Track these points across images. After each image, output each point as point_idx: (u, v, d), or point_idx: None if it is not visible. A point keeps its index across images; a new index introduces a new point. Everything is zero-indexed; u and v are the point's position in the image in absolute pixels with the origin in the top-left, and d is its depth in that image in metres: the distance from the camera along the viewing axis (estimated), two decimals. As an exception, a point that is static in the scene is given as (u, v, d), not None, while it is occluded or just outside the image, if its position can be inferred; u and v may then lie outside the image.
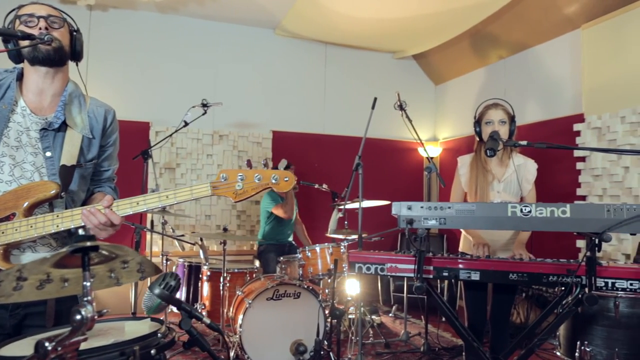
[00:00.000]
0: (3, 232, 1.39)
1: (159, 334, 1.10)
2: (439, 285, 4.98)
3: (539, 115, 4.71)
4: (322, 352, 3.03)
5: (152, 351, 1.02)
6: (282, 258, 3.72)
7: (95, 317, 0.78)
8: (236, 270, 3.72)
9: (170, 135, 4.51)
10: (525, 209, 1.73)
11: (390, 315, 4.89)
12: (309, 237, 4.82)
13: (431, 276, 1.94)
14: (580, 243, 3.97)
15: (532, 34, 4.70)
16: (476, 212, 1.78)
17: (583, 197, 4.05)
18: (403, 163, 6.12)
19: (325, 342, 3.15)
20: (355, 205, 3.57)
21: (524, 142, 2.07)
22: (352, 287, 3.81)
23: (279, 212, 4.29)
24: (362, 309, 3.67)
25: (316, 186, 4.38)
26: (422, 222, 1.81)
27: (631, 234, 3.37)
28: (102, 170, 1.72)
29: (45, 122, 1.53)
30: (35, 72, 1.52)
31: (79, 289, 0.89)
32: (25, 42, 1.44)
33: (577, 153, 4.10)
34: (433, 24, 4.94)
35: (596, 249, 1.65)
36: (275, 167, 1.65)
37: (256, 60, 5.53)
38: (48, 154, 1.53)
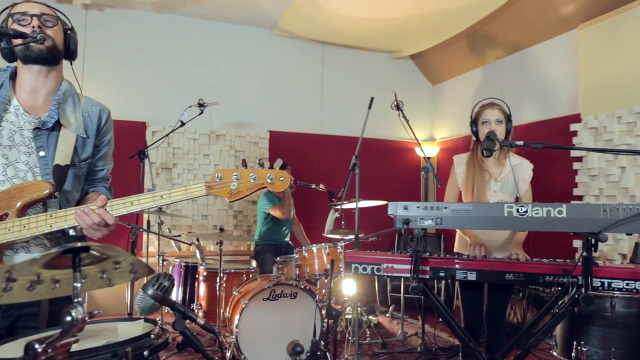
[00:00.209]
0: (-5, 233, 1.38)
1: (152, 335, 1.08)
2: (435, 285, 4.97)
3: (535, 115, 4.71)
4: (318, 353, 3.02)
5: (145, 352, 1.01)
6: (278, 258, 3.71)
7: (86, 318, 0.77)
8: (233, 271, 3.71)
9: (167, 135, 4.50)
10: (521, 209, 1.72)
11: (388, 315, 4.89)
12: (307, 237, 4.81)
13: (427, 276, 1.93)
14: (577, 243, 3.98)
15: (528, 34, 4.70)
16: (472, 212, 1.77)
17: (580, 197, 4.06)
18: (400, 163, 6.12)
19: (322, 343, 3.14)
20: (352, 205, 3.57)
21: (521, 142, 2.06)
22: (349, 287, 3.81)
23: (276, 213, 4.28)
24: (358, 309, 3.67)
25: (313, 186, 4.37)
26: (419, 222, 1.80)
27: (627, 234, 3.37)
28: (97, 170, 1.71)
29: (39, 122, 1.52)
30: (29, 70, 1.51)
31: (71, 290, 0.87)
32: (18, 41, 1.42)
33: (573, 153, 4.10)
34: (430, 24, 4.94)
35: (592, 249, 1.65)
36: (271, 167, 1.64)
37: (253, 60, 5.52)
38: (41, 153, 1.51)
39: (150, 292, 1.15)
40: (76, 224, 1.41)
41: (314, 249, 3.57)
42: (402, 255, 1.97)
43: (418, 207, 1.81)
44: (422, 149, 3.48)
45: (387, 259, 1.98)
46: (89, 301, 4.60)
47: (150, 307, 1.16)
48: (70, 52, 1.59)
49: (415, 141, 3.45)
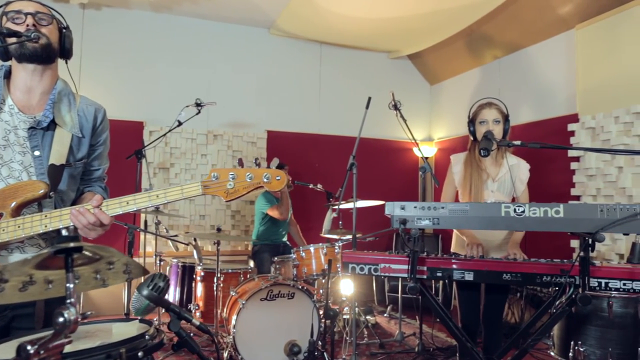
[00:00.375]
0: (-10, 233, 1.37)
1: (146, 336, 1.08)
2: (433, 285, 4.97)
3: (533, 115, 4.71)
4: (316, 353, 3.02)
5: (140, 353, 1.00)
6: (276, 258, 3.70)
7: (79, 319, 0.76)
8: (230, 271, 3.70)
9: (164, 135, 4.49)
10: (518, 209, 1.72)
11: (385, 315, 4.89)
12: (303, 238, 4.80)
13: (425, 276, 1.93)
14: (575, 243, 3.98)
15: (526, 34, 4.70)
16: (470, 212, 1.77)
17: (577, 197, 4.06)
18: (398, 163, 6.11)
19: (320, 343, 3.13)
20: (349, 205, 3.56)
21: (518, 142, 2.06)
22: (346, 287, 3.80)
23: (274, 213, 4.27)
24: (356, 309, 3.66)
25: (311, 186, 4.36)
26: (416, 222, 1.80)
27: (624, 234, 3.38)
28: (92, 170, 1.70)
29: (34, 121, 1.51)
30: (23, 69, 1.50)
31: (64, 291, 0.87)
32: (12, 39, 1.41)
33: (571, 153, 4.11)
34: (428, 24, 4.93)
35: (589, 249, 1.65)
36: (267, 167, 1.63)
37: (251, 60, 5.51)
38: (36, 153, 1.50)
39: (145, 292, 1.15)
40: (71, 224, 1.40)
41: (312, 249, 3.56)
42: (399, 255, 1.97)
43: (415, 207, 1.81)
44: (419, 149, 3.47)
45: (385, 259, 1.97)
46: (86, 301, 4.58)
47: (145, 307, 1.15)
48: (65, 51, 1.58)
49: (413, 141, 3.45)
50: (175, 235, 4.36)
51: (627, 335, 2.38)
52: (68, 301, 0.77)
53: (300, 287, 3.17)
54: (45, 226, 1.41)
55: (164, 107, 4.95)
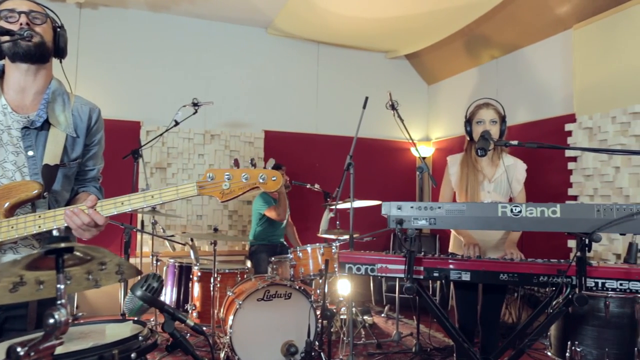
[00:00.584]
0: (-18, 233, 1.36)
1: (140, 337, 1.07)
2: (430, 285, 4.97)
3: (530, 115, 4.72)
4: (313, 353, 3.01)
5: (133, 355, 1.00)
6: (273, 258, 3.70)
7: (70, 320, 0.76)
8: (227, 271, 3.69)
9: (161, 134, 4.47)
10: (515, 209, 1.72)
11: (383, 315, 4.88)
12: (299, 240, 4.80)
13: (421, 277, 1.92)
14: (572, 243, 3.98)
15: (523, 34, 4.70)
16: (466, 212, 1.76)
17: (574, 197, 4.06)
18: (396, 163, 6.11)
19: (317, 343, 3.13)
20: (346, 205, 3.55)
21: (515, 142, 2.06)
22: (343, 287, 3.80)
23: (272, 214, 4.26)
24: (353, 309, 3.66)
25: (308, 186, 4.36)
26: (412, 222, 1.79)
27: (621, 234, 3.38)
28: (87, 170, 1.69)
29: (27, 121, 1.50)
30: (17, 69, 1.49)
31: (55, 291, 0.85)
32: (5, 38, 1.40)
33: (568, 153, 4.11)
34: (425, 24, 4.93)
35: (586, 249, 1.65)
36: (264, 167, 1.62)
37: (248, 60, 5.50)
38: (30, 153, 1.49)
39: (138, 293, 1.14)
40: (65, 225, 1.39)
41: (309, 249, 3.55)
42: (396, 255, 1.96)
43: (412, 207, 1.80)
44: (417, 149, 3.47)
45: (381, 259, 1.97)
46: (83, 302, 4.56)
47: (138, 308, 1.15)
48: (59, 50, 1.57)
49: (411, 141, 3.44)
50: (172, 236, 4.35)
51: (623, 335, 2.38)
52: (59, 302, 0.76)
53: (297, 287, 3.16)
54: (39, 227, 1.40)
55: (161, 106, 4.93)
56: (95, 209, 1.40)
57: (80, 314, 0.85)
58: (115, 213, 1.43)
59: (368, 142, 5.70)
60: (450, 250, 2.68)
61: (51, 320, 0.74)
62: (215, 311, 3.45)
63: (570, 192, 4.09)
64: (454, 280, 1.90)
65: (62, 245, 0.77)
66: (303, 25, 5.27)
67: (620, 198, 3.65)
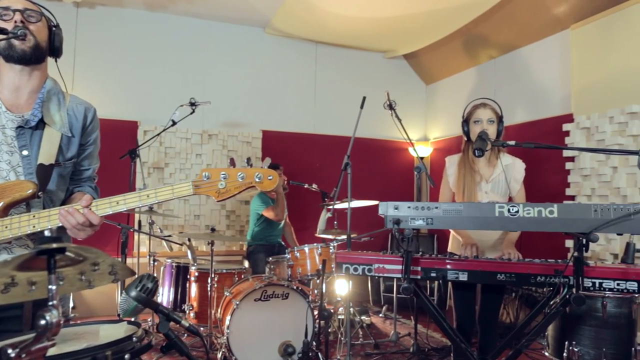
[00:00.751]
0: (-24, 233, 1.35)
1: (134, 338, 1.06)
2: (428, 285, 4.97)
3: (528, 115, 4.72)
4: (310, 354, 3.00)
5: (126, 356, 0.99)
6: (270, 258, 3.69)
7: (62, 321, 0.75)
8: (224, 271, 3.69)
9: (158, 134, 4.46)
10: (512, 209, 1.71)
11: (380, 315, 4.88)
12: (297, 240, 4.79)
13: (419, 277, 1.92)
14: (570, 242, 3.98)
15: (521, 34, 4.71)
16: (463, 212, 1.76)
17: (572, 197, 4.06)
18: (394, 163, 6.11)
19: (314, 343, 3.12)
20: (344, 205, 3.55)
21: (512, 142, 2.06)
22: (341, 287, 3.79)
23: (270, 214, 4.25)
24: (351, 309, 3.65)
25: (306, 186, 4.35)
26: (409, 222, 1.79)
27: (618, 234, 3.38)
28: (82, 170, 1.68)
29: (22, 120, 1.49)
30: (11, 69, 1.48)
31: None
32: (-1, 36, 1.39)
33: (566, 153, 4.11)
34: (423, 24, 4.93)
35: (584, 249, 1.64)
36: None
37: (246, 59, 5.48)
38: (25, 152, 1.48)
39: (133, 294, 1.13)
40: (60, 224, 1.38)
41: (306, 249, 3.54)
42: (393, 255, 1.96)
43: (409, 207, 1.80)
44: (414, 149, 3.47)
45: (378, 259, 1.96)
46: (80, 302, 4.55)
47: (133, 309, 1.14)
48: (55, 50, 1.56)
49: (408, 141, 3.44)
50: (169, 236, 4.33)
51: (621, 335, 2.38)
52: (50, 303, 0.75)
53: (294, 287, 3.15)
54: (34, 227, 1.39)
55: (159, 106, 4.92)
56: (90, 209, 1.39)
57: (72, 314, 0.84)
58: (111, 212, 1.42)
59: (366, 142, 5.70)
60: (449, 250, 2.68)
61: (42, 322, 0.73)
62: (213, 311, 3.44)
63: (568, 192, 4.09)
64: (451, 280, 1.90)
65: (54, 245, 0.76)
66: (301, 25, 5.26)
67: (617, 198, 3.66)
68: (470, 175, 2.52)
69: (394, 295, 4.24)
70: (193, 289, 3.71)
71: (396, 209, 1.80)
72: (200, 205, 5.16)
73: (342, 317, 3.88)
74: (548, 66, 4.53)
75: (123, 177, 4.09)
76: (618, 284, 1.72)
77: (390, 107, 3.40)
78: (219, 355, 3.11)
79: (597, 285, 1.74)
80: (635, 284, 1.70)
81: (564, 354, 2.45)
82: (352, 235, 3.24)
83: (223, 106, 5.27)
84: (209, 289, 3.45)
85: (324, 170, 5.43)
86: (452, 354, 2.70)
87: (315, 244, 3.58)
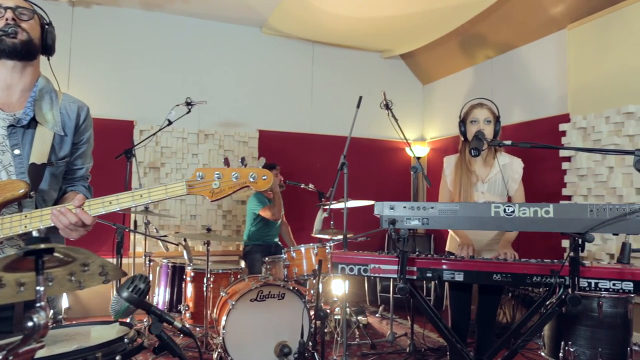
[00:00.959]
0: (-33, 233, 1.33)
1: (125, 339, 1.05)
2: (425, 285, 4.97)
3: (525, 115, 4.72)
4: (306, 354, 2.99)
5: (117, 357, 0.97)
6: (267, 259, 3.67)
7: (49, 323, 0.74)
8: (220, 271, 3.67)
9: (154, 134, 4.44)
10: (508, 209, 1.70)
11: (377, 315, 4.87)
12: (294, 239, 4.78)
13: (415, 277, 1.91)
14: (566, 242, 3.99)
15: (518, 34, 4.71)
16: (459, 212, 1.75)
17: (568, 197, 4.07)
18: (391, 163, 6.10)
19: (310, 344, 3.11)
20: (340, 205, 3.54)
21: (509, 142, 2.05)
22: (338, 287, 3.78)
23: (266, 214, 4.24)
24: (347, 309, 3.64)
25: (302, 186, 4.34)
26: (405, 223, 1.78)
27: (614, 234, 3.38)
28: (75, 169, 1.66)
29: (14, 119, 1.47)
30: (2, 66, 1.46)
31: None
32: (-10, 34, 1.37)
33: (562, 153, 4.11)
34: (420, 23, 4.93)
35: (579, 249, 1.64)
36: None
37: (243, 59, 5.47)
38: (16, 151, 1.47)
39: (125, 294, 1.11)
40: (52, 224, 1.37)
41: (302, 249, 3.53)
42: (389, 255, 1.95)
43: (405, 207, 1.79)
44: (410, 148, 3.46)
45: (374, 260, 1.95)
46: (75, 302, 4.53)
47: (124, 310, 1.12)
48: (47, 48, 1.55)
49: (404, 140, 3.44)
50: (165, 236, 4.31)
51: (616, 335, 2.38)
52: (38, 305, 0.74)
53: (290, 287, 3.14)
54: (25, 227, 1.37)
55: (155, 106, 4.90)
56: (82, 209, 1.38)
57: (60, 316, 0.83)
58: (104, 212, 1.41)
59: (363, 142, 5.69)
60: (447, 249, 2.67)
61: (30, 323, 0.72)
62: (208, 312, 3.43)
63: (565, 192, 4.10)
64: (447, 280, 1.89)
65: (42, 246, 0.75)
66: (298, 24, 5.25)
67: (614, 198, 3.66)
68: (466, 176, 2.51)
69: (391, 295, 4.24)
70: (189, 289, 3.70)
71: (392, 209, 1.79)
72: (196, 205, 5.14)
73: (339, 317, 3.87)
74: (545, 66, 4.53)
75: (119, 177, 4.07)
76: (614, 284, 1.72)
77: (387, 106, 3.40)
78: (215, 356, 3.10)
79: (593, 285, 1.74)
80: (631, 284, 1.70)
81: (560, 354, 2.45)
82: (348, 235, 3.23)
83: (220, 106, 5.25)
84: (204, 289, 3.43)
85: (321, 170, 5.42)
86: (448, 354, 2.69)
87: (311, 244, 3.57)
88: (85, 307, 4.55)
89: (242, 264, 4.33)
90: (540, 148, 2.11)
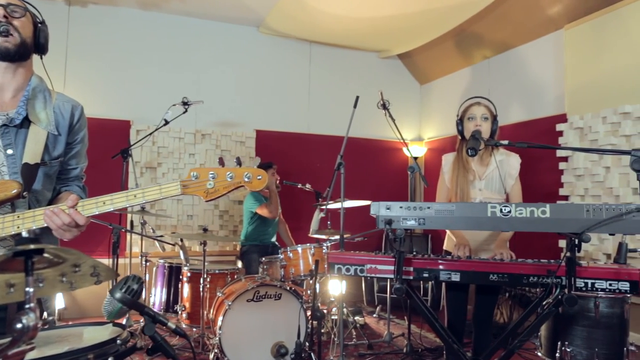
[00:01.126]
0: (-41, 234, 1.32)
1: (118, 341, 1.04)
2: (422, 285, 4.96)
3: (522, 115, 4.72)
4: (303, 354, 2.98)
5: (110, 359, 0.96)
6: (264, 259, 3.67)
7: (39, 325, 0.72)
8: (217, 272, 3.66)
9: (151, 134, 4.43)
10: (505, 209, 1.70)
11: (374, 315, 4.86)
12: (292, 238, 4.77)
13: (411, 277, 1.90)
14: (563, 242, 3.99)
15: (515, 34, 4.71)
16: (455, 213, 1.75)
17: (565, 197, 4.07)
18: (388, 163, 6.10)
19: (307, 344, 3.10)
20: (337, 205, 3.53)
21: (505, 142, 2.05)
22: (335, 287, 3.78)
23: (263, 212, 4.23)
24: (344, 309, 3.63)
25: (299, 186, 4.33)
26: (401, 223, 1.77)
27: (610, 234, 3.38)
28: (70, 169, 1.65)
29: (6, 118, 1.46)
30: (-5, 65, 1.45)
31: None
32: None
33: (559, 153, 4.12)
34: (418, 23, 4.92)
35: (576, 249, 1.63)
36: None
37: (240, 59, 5.46)
38: (9, 151, 1.45)
39: (117, 295, 1.10)
40: (45, 225, 1.35)
41: (299, 249, 3.52)
42: (385, 256, 1.94)
43: (401, 207, 1.78)
44: (407, 148, 3.46)
45: (371, 260, 1.95)
46: (72, 303, 4.51)
47: (117, 311, 1.11)
48: (40, 46, 1.53)
49: (401, 140, 3.43)
50: (161, 236, 4.30)
51: (613, 335, 2.38)
52: (27, 306, 0.73)
53: (287, 287, 3.13)
54: (18, 227, 1.36)
55: (152, 105, 4.88)
56: (76, 209, 1.37)
57: (51, 318, 0.82)
58: (97, 213, 1.40)
59: (360, 142, 5.69)
60: (444, 248, 2.67)
61: (19, 325, 0.71)
62: (205, 312, 3.42)
63: (562, 192, 4.10)
64: (444, 280, 1.89)
65: (31, 246, 0.73)
66: (295, 24, 5.24)
67: (610, 198, 3.66)
68: (463, 174, 2.51)
69: (388, 295, 4.23)
70: (185, 290, 3.69)
71: (388, 209, 1.78)
72: (193, 206, 5.12)
73: (336, 317, 3.87)
74: (542, 66, 4.53)
75: (115, 177, 4.05)
76: (610, 284, 1.71)
77: (384, 106, 3.39)
78: (211, 356, 3.08)
79: (589, 285, 1.73)
80: (627, 284, 1.70)
81: (557, 354, 2.45)
82: (345, 236, 3.22)
83: (217, 105, 5.24)
84: (201, 289, 3.42)
85: (318, 170, 5.41)
86: (444, 354, 2.69)
87: (308, 244, 3.56)
88: (81, 307, 4.54)
89: (239, 264, 4.32)
90: (537, 148, 2.10)
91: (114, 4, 4.93)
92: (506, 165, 2.53)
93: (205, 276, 3.43)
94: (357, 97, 3.35)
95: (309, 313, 3.12)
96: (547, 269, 1.78)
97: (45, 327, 1.11)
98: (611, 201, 3.62)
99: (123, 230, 3.75)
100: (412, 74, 6.33)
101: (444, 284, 2.96)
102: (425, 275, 1.90)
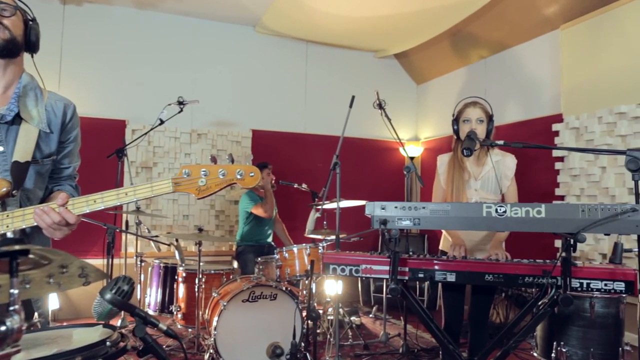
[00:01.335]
0: (-53, 233, 1.30)
1: (107, 343, 1.02)
2: (418, 285, 4.95)
3: (518, 115, 4.72)
4: (298, 355, 2.97)
5: (99, 361, 0.95)
6: (259, 259, 3.65)
7: (23, 327, 0.71)
8: (212, 272, 3.64)
9: (146, 133, 4.40)
10: (500, 209, 1.69)
11: (371, 316, 4.86)
12: (289, 237, 4.75)
13: (406, 277, 1.90)
14: (559, 242, 3.99)
15: (512, 34, 4.71)
16: (451, 213, 1.74)
17: (561, 197, 4.07)
18: (384, 163, 6.09)
19: (302, 344, 3.09)
20: (333, 205, 3.52)
21: (501, 142, 2.05)
22: (331, 288, 3.76)
23: (259, 211, 4.21)
24: (340, 310, 3.62)
25: (295, 185, 4.32)
26: (396, 223, 1.76)
27: (605, 234, 3.38)
28: (62, 168, 1.64)
29: (-3, 115, 1.44)
30: (-16, 63, 1.43)
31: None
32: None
33: (555, 153, 4.12)
34: (414, 23, 4.92)
35: (571, 249, 1.63)
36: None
37: (236, 58, 5.44)
38: (0, 148, 1.44)
39: (108, 296, 1.09)
40: (34, 224, 1.34)
41: (295, 249, 3.51)
42: (380, 256, 1.93)
43: (396, 207, 1.77)
44: (404, 148, 3.45)
45: (366, 260, 1.94)
46: (66, 304, 4.47)
47: (107, 312, 1.10)
48: (31, 44, 1.52)
49: (398, 140, 3.42)
50: (156, 236, 4.28)
51: (608, 335, 2.38)
52: (12, 308, 0.71)
53: (282, 288, 3.12)
54: (7, 226, 1.34)
55: (148, 105, 4.85)
56: (66, 207, 1.35)
57: (36, 320, 0.80)
58: (88, 211, 1.38)
59: (356, 142, 5.68)
60: (440, 248, 2.66)
61: (2, 328, 0.69)
62: (200, 312, 3.40)
63: (558, 192, 4.10)
64: (439, 281, 1.88)
65: (16, 247, 0.72)
66: (291, 23, 5.22)
67: (606, 198, 3.66)
68: (459, 174, 2.51)
69: (384, 295, 4.22)
70: (181, 290, 3.67)
71: (383, 209, 1.77)
72: (189, 205, 5.10)
73: (332, 317, 3.85)
74: (538, 66, 4.54)
75: (110, 177, 4.03)
76: (605, 284, 1.71)
77: (380, 106, 3.38)
78: (206, 357, 3.07)
79: (584, 285, 1.73)
80: (623, 284, 1.69)
81: (552, 354, 2.45)
82: (341, 236, 3.21)
83: (212, 105, 5.22)
84: (196, 289, 3.40)
85: (314, 170, 5.40)
86: (440, 355, 2.68)
87: (304, 244, 3.55)
88: (76, 308, 4.51)
89: (235, 264, 4.30)
90: (533, 148, 2.10)
91: (109, 3, 4.90)
92: (502, 165, 2.52)
93: (200, 276, 3.41)
94: (353, 97, 3.33)
95: (304, 313, 3.11)
96: (543, 269, 1.77)
97: (32, 328, 1.09)
98: (607, 201, 3.62)
99: (118, 230, 3.74)
100: (408, 74, 6.32)
101: (440, 284, 2.96)
102: (421, 275, 1.89)
